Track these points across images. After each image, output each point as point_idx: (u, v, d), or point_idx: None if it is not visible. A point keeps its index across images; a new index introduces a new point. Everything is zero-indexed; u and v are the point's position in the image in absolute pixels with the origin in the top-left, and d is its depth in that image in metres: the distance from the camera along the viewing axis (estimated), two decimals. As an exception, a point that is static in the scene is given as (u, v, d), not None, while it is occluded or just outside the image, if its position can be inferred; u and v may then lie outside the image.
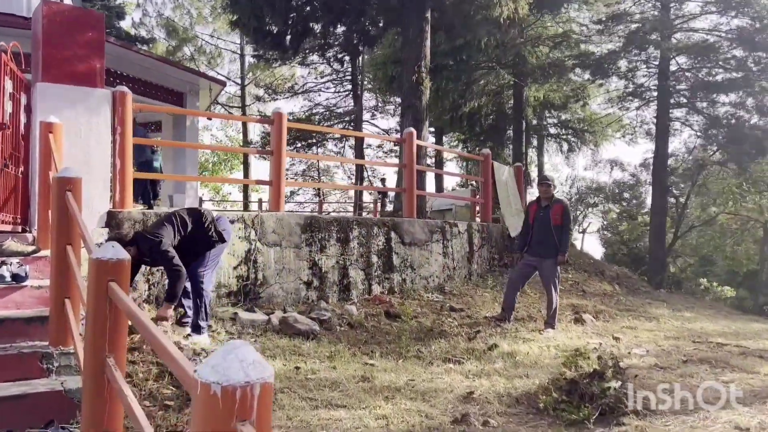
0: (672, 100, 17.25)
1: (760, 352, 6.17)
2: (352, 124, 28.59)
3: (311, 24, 11.34)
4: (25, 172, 5.52)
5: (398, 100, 22.21)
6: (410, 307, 7.04)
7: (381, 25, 11.20)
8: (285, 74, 30.10)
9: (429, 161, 29.04)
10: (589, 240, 29.18)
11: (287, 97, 29.07)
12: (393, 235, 7.63)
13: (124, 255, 2.52)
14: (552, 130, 18.48)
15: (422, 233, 8.02)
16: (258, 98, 28.55)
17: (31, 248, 4.65)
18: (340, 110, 29.19)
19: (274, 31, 11.22)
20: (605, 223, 27.86)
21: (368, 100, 28.54)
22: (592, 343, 5.85)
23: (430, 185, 36.21)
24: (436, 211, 19.23)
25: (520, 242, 7.05)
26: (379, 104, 28.74)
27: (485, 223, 9.78)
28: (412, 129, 8.18)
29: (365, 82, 25.50)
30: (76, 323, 3.41)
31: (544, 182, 7.02)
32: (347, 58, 26.19)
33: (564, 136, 18.03)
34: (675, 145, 22.97)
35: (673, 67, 17.20)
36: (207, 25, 29.95)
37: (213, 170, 32.45)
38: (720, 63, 16.54)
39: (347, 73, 30.08)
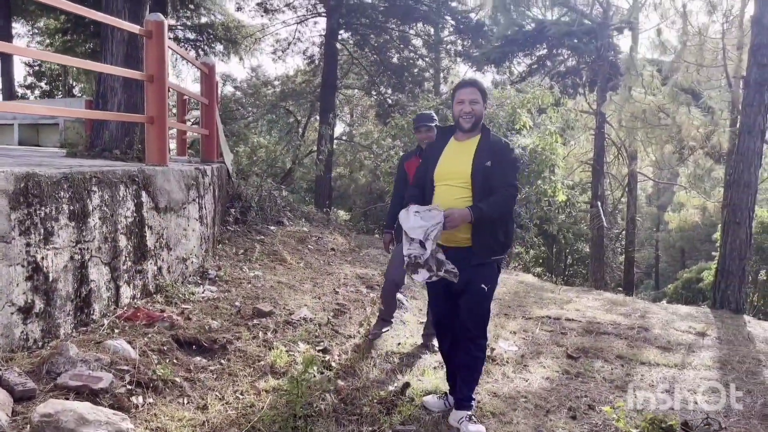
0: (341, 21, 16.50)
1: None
2: None
3: None
4: None
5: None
6: (199, 319, 4.33)
7: None
8: None
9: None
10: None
11: None
12: (145, 197, 4.50)
13: None
14: (188, 35, 15.31)
15: (179, 191, 5.03)
16: None
17: None
18: None
19: None
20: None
21: None
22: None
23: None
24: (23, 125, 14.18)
25: (391, 219, 4.38)
26: None
27: (214, 164, 6.98)
28: (160, 17, 4.81)
29: None
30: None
31: (425, 122, 4.21)
32: None
33: (200, 44, 15.19)
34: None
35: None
36: None
37: None
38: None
39: None
